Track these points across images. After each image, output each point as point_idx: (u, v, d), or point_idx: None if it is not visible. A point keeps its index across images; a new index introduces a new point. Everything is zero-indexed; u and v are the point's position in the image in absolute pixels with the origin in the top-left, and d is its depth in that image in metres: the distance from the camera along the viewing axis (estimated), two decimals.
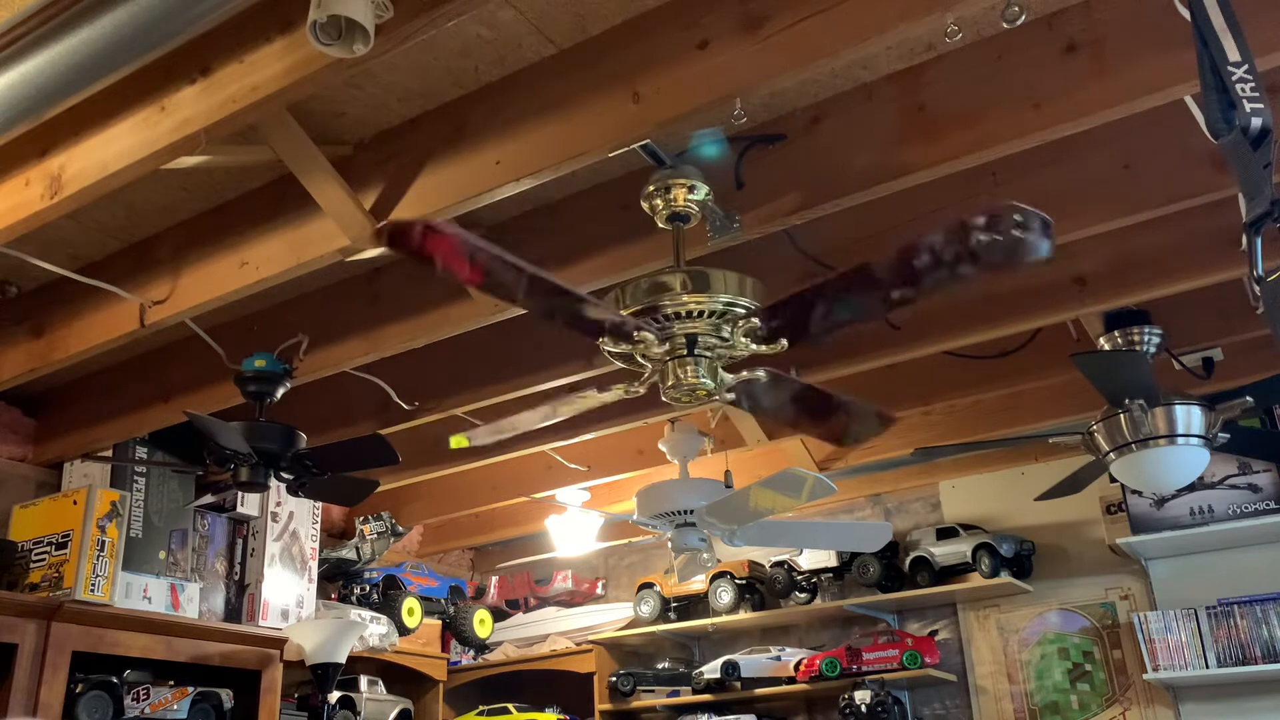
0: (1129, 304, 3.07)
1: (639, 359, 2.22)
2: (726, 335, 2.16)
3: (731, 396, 2.29)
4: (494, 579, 5.44)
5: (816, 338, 2.05)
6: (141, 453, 3.75)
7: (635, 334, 2.11)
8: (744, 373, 2.25)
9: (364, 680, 4.32)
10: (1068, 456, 3.44)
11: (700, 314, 2.14)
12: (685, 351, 2.17)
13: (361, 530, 4.52)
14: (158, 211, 2.78)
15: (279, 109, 2.20)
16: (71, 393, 3.70)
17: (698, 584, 4.69)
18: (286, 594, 4.02)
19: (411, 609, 4.54)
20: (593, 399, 2.41)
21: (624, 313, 2.16)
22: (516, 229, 2.81)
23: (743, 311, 2.13)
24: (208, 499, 3.55)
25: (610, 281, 2.55)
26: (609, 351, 2.20)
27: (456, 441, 2.60)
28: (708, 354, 2.18)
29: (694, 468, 3.41)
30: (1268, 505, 3.78)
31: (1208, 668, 3.76)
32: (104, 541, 3.35)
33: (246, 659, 3.64)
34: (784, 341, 2.10)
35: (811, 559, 4.54)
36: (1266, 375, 2.88)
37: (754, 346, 2.15)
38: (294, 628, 3.88)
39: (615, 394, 2.34)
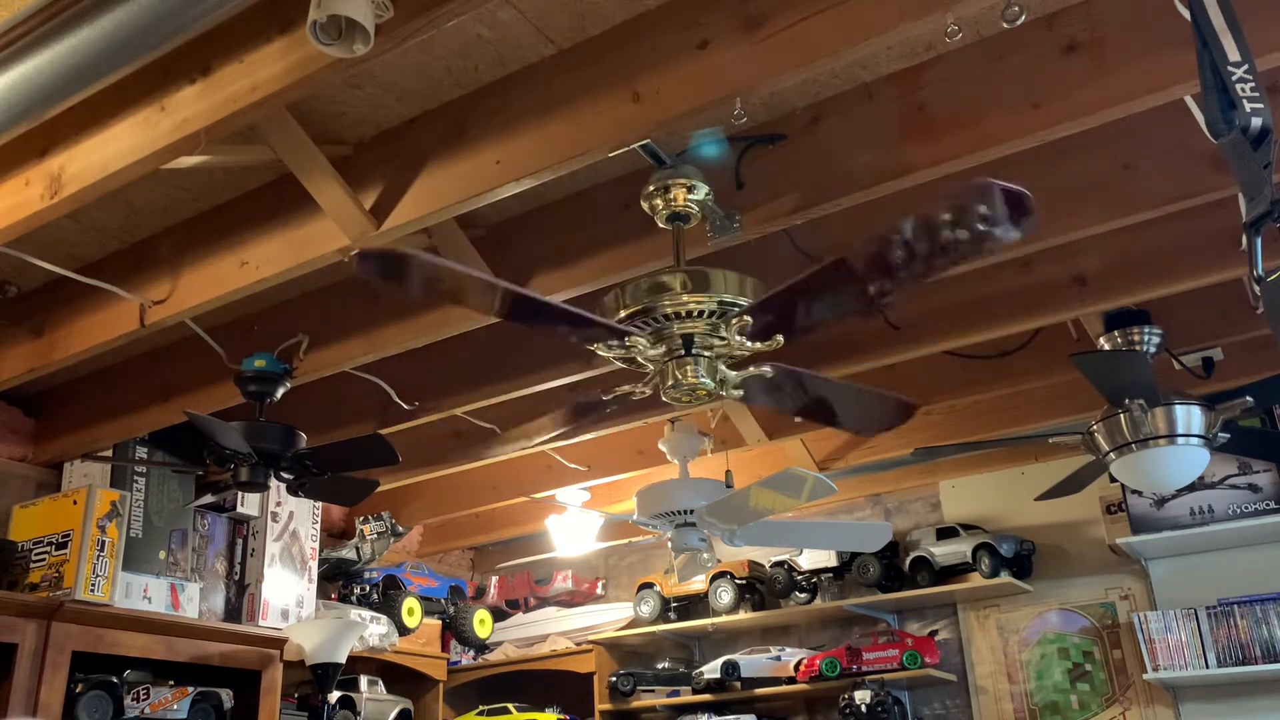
0: (1129, 304, 3.08)
1: (640, 360, 2.22)
2: (724, 335, 2.16)
3: (740, 393, 2.29)
4: (494, 579, 5.44)
5: (809, 331, 2.05)
6: (141, 453, 3.75)
7: (626, 339, 2.11)
8: (751, 368, 2.24)
9: (364, 680, 4.32)
10: (1068, 456, 3.44)
11: (699, 314, 2.13)
12: (683, 352, 2.17)
13: (361, 530, 4.52)
14: (158, 211, 2.78)
15: (279, 109, 2.20)
16: (71, 393, 3.69)
17: (698, 584, 4.69)
18: (286, 594, 4.02)
19: (411, 609, 4.54)
20: (610, 401, 2.41)
21: (624, 311, 2.15)
22: (517, 229, 2.81)
23: (737, 310, 2.13)
24: (208, 499, 3.55)
25: (610, 281, 2.55)
26: (609, 355, 2.20)
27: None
28: (706, 353, 2.17)
29: (694, 468, 3.40)
30: (1268, 505, 3.78)
31: (1208, 668, 3.76)
32: (104, 541, 3.35)
33: (246, 659, 3.64)
34: (779, 337, 2.10)
35: (811, 559, 4.54)
36: (1266, 375, 2.88)
37: (749, 344, 2.14)
38: (294, 628, 3.88)
39: (622, 394, 2.34)
